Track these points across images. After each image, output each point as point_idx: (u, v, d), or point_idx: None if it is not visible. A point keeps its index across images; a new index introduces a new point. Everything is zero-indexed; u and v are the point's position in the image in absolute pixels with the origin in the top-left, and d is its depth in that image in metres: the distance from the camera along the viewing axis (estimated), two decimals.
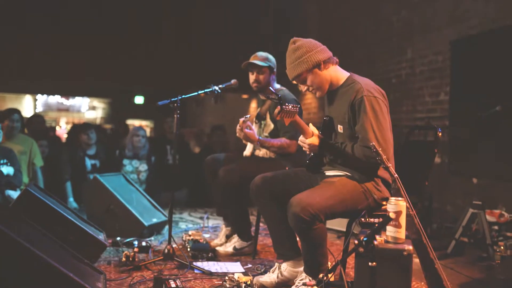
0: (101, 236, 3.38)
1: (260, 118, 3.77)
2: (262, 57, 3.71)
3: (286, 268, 2.93)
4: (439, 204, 5.19)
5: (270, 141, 3.50)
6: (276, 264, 2.99)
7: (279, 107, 2.55)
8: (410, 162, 3.80)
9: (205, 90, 3.51)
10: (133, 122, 13.06)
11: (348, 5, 7.32)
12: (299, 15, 8.78)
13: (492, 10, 4.75)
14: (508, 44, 4.54)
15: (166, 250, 3.28)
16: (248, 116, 3.42)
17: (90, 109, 15.49)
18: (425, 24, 5.68)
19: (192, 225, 4.94)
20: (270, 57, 3.75)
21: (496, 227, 3.89)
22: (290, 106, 2.54)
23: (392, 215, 2.16)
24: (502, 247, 3.37)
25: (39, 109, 14.42)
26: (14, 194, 4.07)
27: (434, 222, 4.68)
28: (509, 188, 4.47)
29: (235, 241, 3.73)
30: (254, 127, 3.66)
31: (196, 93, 3.52)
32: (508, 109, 4.18)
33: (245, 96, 11.75)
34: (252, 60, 3.69)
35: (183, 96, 3.36)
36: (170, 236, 3.32)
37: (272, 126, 3.66)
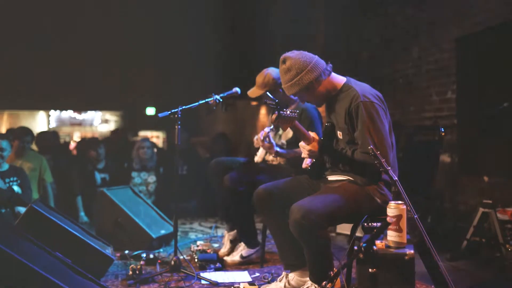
0: (108, 251, 3.39)
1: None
2: (259, 84, 3.58)
3: (293, 277, 2.88)
4: (451, 204, 5.11)
5: (287, 154, 3.48)
6: (284, 273, 2.95)
7: (276, 113, 2.54)
8: (417, 162, 3.75)
9: (206, 100, 3.50)
10: (146, 134, 13.15)
11: (352, 6, 7.26)
12: (304, 18, 8.73)
13: (498, 6, 4.67)
14: None
15: (172, 262, 3.27)
16: (272, 127, 3.41)
17: (102, 122, 15.59)
18: (430, 22, 5.60)
19: (202, 235, 4.93)
20: (271, 76, 3.53)
21: (509, 226, 3.80)
22: (288, 112, 2.53)
23: (390, 219, 2.12)
24: None
25: (53, 124, 14.55)
26: (23, 210, 4.11)
27: (446, 222, 4.60)
28: None
29: (242, 249, 3.71)
30: (271, 134, 3.64)
31: (197, 103, 3.50)
32: None
33: (254, 103, 11.73)
34: (254, 88, 3.62)
35: (184, 107, 3.36)
36: (176, 247, 3.31)
37: (291, 133, 3.58)
